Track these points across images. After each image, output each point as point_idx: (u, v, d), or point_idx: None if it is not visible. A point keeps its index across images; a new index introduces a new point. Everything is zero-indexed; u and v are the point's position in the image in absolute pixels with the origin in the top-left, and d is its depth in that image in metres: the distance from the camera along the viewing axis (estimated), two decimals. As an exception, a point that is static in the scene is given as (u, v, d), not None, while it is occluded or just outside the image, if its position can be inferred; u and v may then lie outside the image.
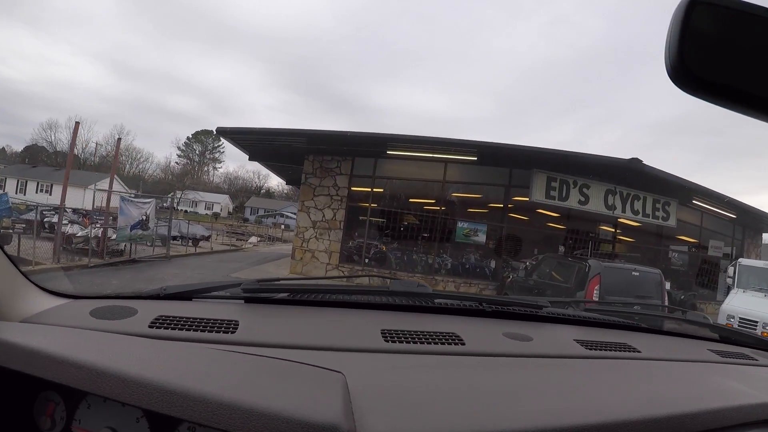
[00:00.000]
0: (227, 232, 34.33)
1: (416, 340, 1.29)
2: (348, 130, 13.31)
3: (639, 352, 1.51)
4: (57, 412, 0.94)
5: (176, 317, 1.22)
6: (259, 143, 14.60)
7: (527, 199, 14.10)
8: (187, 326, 1.18)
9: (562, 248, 15.72)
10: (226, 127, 13.35)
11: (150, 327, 1.15)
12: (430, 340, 1.31)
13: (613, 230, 16.84)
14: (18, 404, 0.95)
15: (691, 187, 14.73)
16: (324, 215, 14.37)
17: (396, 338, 1.28)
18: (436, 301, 1.70)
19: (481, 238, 14.51)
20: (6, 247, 1.17)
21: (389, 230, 15.17)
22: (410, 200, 15.71)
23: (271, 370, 0.95)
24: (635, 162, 12.86)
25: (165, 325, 1.17)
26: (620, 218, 15.44)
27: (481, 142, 12.66)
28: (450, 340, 1.32)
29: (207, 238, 26.35)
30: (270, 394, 0.80)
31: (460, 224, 14.50)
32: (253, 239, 32.23)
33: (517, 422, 0.87)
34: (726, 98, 0.63)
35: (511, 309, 1.72)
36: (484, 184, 15.10)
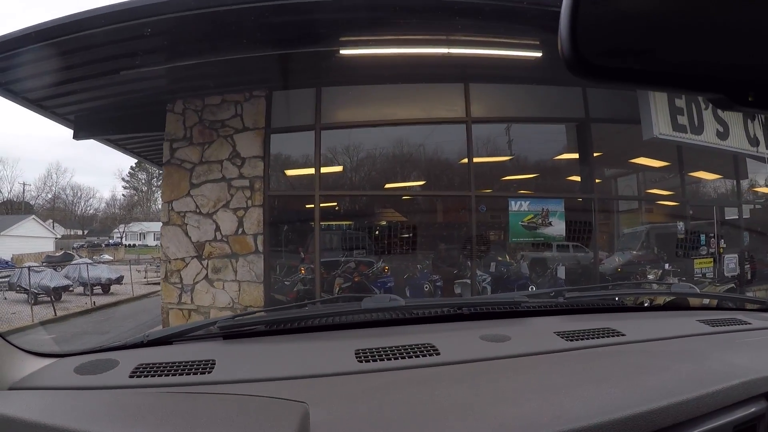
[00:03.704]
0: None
1: (390, 356, 1.25)
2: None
3: (623, 335, 1.43)
4: None
5: (155, 363, 1.20)
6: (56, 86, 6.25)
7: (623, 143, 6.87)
8: (165, 371, 1.16)
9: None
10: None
11: (130, 377, 1.14)
12: (405, 354, 1.26)
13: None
14: None
15: None
16: (218, 226, 6.26)
17: (370, 357, 1.24)
18: (412, 311, 1.68)
19: (558, 227, 6.75)
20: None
21: (367, 242, 7.19)
22: (397, 179, 7.74)
23: (234, 409, 0.94)
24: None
25: (145, 373, 1.16)
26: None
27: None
28: (424, 352, 1.27)
29: (118, 281, 18.95)
30: None
31: (514, 204, 6.65)
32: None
33: None
34: (626, 79, 0.60)
35: (489, 309, 1.68)
36: (540, 120, 7.32)
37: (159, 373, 1.16)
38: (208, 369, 1.18)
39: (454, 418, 0.90)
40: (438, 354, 1.26)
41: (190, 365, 1.19)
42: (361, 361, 1.22)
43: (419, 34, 5.45)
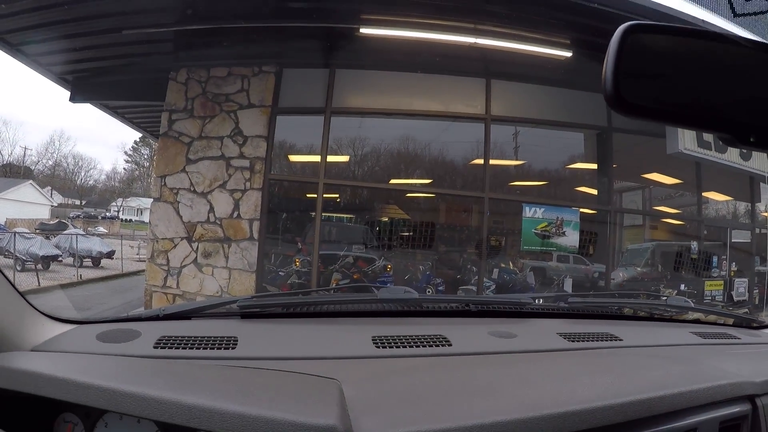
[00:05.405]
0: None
1: (405, 344, 1.29)
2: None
3: (621, 340, 1.50)
4: (76, 431, 0.94)
5: (178, 337, 1.20)
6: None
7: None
8: (189, 345, 1.17)
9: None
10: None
11: (155, 348, 1.14)
12: (419, 343, 1.30)
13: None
14: (38, 427, 0.96)
15: None
16: (213, 207, 5.83)
17: (386, 344, 1.28)
18: (423, 305, 1.72)
19: (572, 237, 6.37)
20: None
21: (369, 237, 6.77)
22: (405, 174, 7.32)
23: (272, 382, 0.99)
24: None
25: (169, 345, 1.16)
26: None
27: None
28: (437, 342, 1.32)
29: (109, 255, 18.39)
30: (273, 403, 0.84)
31: (528, 211, 6.27)
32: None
33: (497, 414, 0.87)
34: (655, 116, 0.71)
35: (496, 307, 1.76)
36: (561, 124, 6.93)
37: (183, 346, 1.16)
38: (231, 345, 1.18)
39: (481, 396, 0.94)
40: (450, 345, 1.30)
41: (214, 340, 1.19)
42: (378, 347, 1.24)
43: (446, 19, 5.04)
